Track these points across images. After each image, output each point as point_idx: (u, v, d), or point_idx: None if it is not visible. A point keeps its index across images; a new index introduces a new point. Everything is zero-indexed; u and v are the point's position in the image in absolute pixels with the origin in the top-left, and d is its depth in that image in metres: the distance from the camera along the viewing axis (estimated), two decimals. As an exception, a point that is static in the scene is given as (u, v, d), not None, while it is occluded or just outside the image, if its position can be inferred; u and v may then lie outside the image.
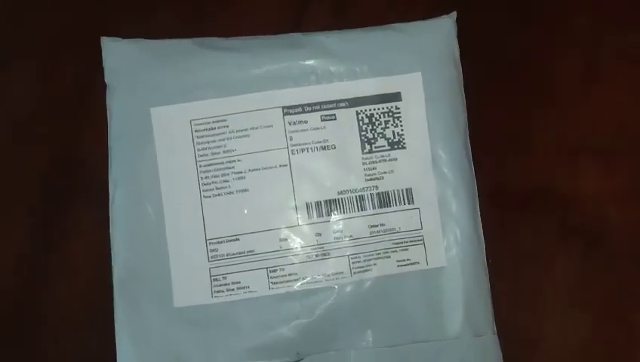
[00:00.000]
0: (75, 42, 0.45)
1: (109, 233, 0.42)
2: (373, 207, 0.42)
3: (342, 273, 0.41)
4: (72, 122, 0.45)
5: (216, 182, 0.42)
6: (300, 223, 0.42)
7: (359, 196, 0.42)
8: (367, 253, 0.42)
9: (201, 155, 0.42)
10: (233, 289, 0.41)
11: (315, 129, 0.42)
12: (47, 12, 0.46)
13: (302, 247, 0.42)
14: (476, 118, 0.43)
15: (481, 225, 0.42)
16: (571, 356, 0.43)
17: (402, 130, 0.42)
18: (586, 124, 0.45)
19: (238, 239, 0.42)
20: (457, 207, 0.42)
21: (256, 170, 0.42)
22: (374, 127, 0.42)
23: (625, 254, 0.44)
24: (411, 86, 0.42)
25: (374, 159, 0.42)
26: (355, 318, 0.41)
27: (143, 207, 0.42)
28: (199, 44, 0.43)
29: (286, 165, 0.42)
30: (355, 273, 0.41)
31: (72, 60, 0.45)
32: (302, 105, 0.42)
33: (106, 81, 0.43)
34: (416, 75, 0.42)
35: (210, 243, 0.42)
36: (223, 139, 0.42)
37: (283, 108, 0.42)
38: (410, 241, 0.42)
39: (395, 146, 0.42)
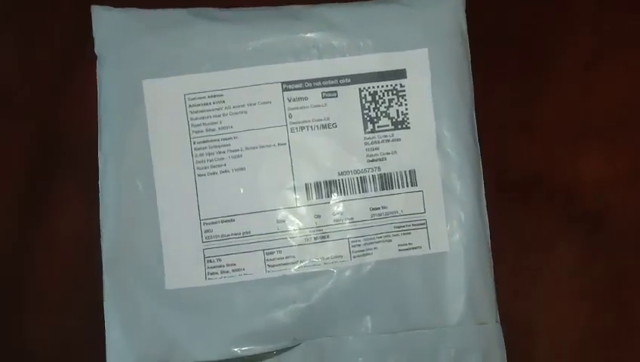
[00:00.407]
0: (62, 7, 0.44)
1: (96, 210, 0.41)
2: (375, 189, 0.40)
3: (341, 257, 0.40)
4: (59, 94, 0.43)
5: (211, 160, 0.40)
6: (299, 204, 0.40)
7: (361, 177, 0.40)
8: (368, 237, 0.40)
9: (196, 131, 0.40)
10: (228, 272, 0.40)
11: (315, 106, 0.41)
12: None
13: (300, 229, 0.40)
14: (479, 100, 0.42)
15: (485, 209, 0.41)
16: (571, 344, 0.42)
17: (407, 109, 0.41)
18: (589, 109, 0.44)
19: (233, 220, 0.40)
20: (462, 189, 0.41)
21: (254, 148, 0.40)
22: (377, 106, 0.41)
23: (627, 241, 0.43)
24: (417, 63, 0.41)
25: (377, 139, 0.41)
26: (353, 303, 0.40)
27: (134, 184, 0.40)
28: (195, 14, 0.41)
29: (285, 144, 0.40)
30: (354, 257, 0.40)
31: (59, 28, 0.44)
32: (302, 81, 0.41)
33: (96, 51, 0.41)
34: (423, 51, 0.41)
35: (204, 223, 0.40)
36: (219, 115, 0.40)
37: (282, 83, 0.40)
38: (413, 225, 0.40)
39: (399, 126, 0.41)
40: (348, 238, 0.40)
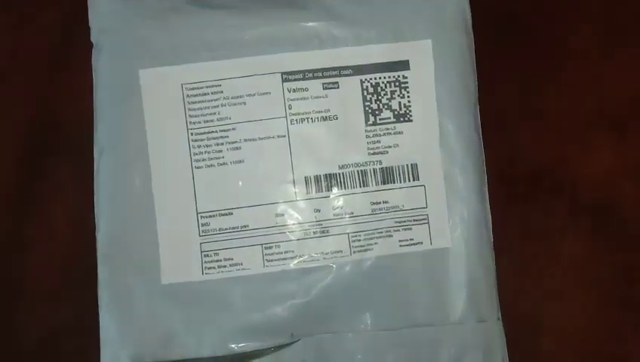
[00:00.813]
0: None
1: (91, 199, 0.40)
2: (376, 183, 0.40)
3: (341, 252, 0.39)
4: (54, 82, 0.43)
5: (209, 152, 0.39)
6: (298, 198, 0.39)
7: (361, 171, 0.40)
8: (368, 232, 0.39)
9: (193, 123, 0.39)
10: (225, 266, 0.39)
11: (316, 97, 0.40)
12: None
13: (299, 224, 0.39)
14: (483, 92, 0.41)
15: (488, 204, 0.40)
16: (576, 339, 0.42)
17: (409, 101, 0.40)
18: (598, 98, 0.43)
19: (231, 213, 0.39)
20: (464, 184, 0.40)
21: (252, 140, 0.39)
22: (379, 98, 0.40)
23: (633, 235, 0.43)
24: (420, 54, 0.40)
25: (378, 132, 0.40)
26: (353, 299, 0.39)
27: (130, 176, 0.39)
28: (193, 2, 0.40)
29: (284, 136, 0.39)
30: (354, 252, 0.39)
31: (54, 15, 0.43)
32: (303, 72, 0.40)
33: (92, 40, 0.40)
34: (426, 42, 0.40)
35: (201, 216, 0.39)
36: (217, 106, 0.39)
37: (282, 73, 0.40)
38: (414, 220, 0.40)
39: (401, 119, 0.40)
40: (348, 233, 0.39)
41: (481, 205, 0.40)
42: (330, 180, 0.40)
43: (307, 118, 0.40)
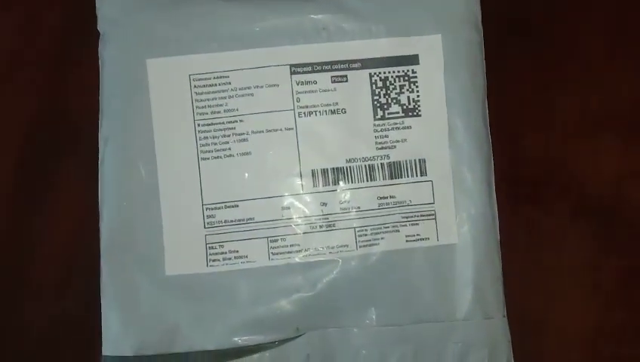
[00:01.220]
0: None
1: (96, 190, 0.40)
2: (384, 178, 0.39)
3: (347, 246, 0.39)
4: (60, 72, 0.42)
5: (215, 144, 0.39)
6: (305, 191, 0.39)
7: (369, 165, 0.39)
8: (375, 226, 0.39)
9: (200, 114, 0.39)
10: (230, 259, 0.39)
11: (324, 90, 0.39)
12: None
13: (305, 217, 0.39)
14: (491, 90, 0.41)
15: (495, 201, 0.40)
16: (581, 339, 0.42)
17: (418, 96, 0.40)
18: (605, 100, 0.43)
19: (237, 205, 0.39)
20: (472, 181, 0.39)
21: (260, 132, 0.39)
22: (388, 92, 0.40)
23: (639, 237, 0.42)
24: (430, 49, 0.40)
25: (387, 126, 0.39)
26: (358, 294, 0.39)
27: (135, 167, 0.39)
28: (202, -8, 0.40)
29: (292, 128, 0.39)
30: (360, 246, 0.39)
31: (61, 4, 0.43)
32: (311, 64, 0.39)
33: (99, 29, 0.40)
34: (436, 37, 0.39)
35: (207, 208, 0.39)
36: (225, 97, 0.39)
37: (290, 66, 0.39)
38: (421, 215, 0.39)
39: (410, 113, 0.40)
40: (354, 227, 0.39)
41: (489, 202, 0.40)
42: (337, 174, 0.39)
43: (315, 111, 0.39)
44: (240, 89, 0.39)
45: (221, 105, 0.39)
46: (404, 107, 0.40)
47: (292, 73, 0.39)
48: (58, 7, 0.43)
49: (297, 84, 0.39)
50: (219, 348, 0.38)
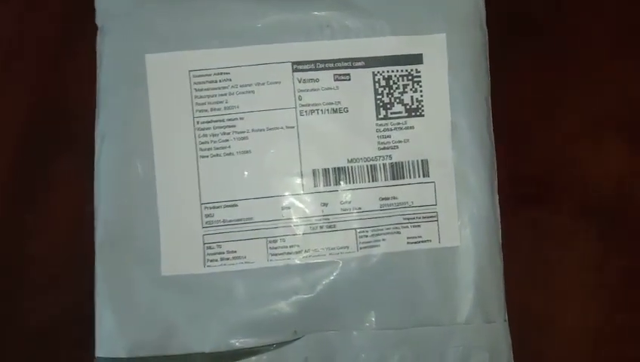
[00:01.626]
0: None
1: (92, 187, 0.39)
2: (386, 178, 0.39)
3: (347, 247, 0.38)
4: (59, 67, 0.42)
5: (215, 141, 0.38)
6: (305, 191, 0.39)
7: (371, 165, 0.39)
8: (376, 228, 0.39)
9: (200, 110, 0.38)
10: (228, 259, 0.38)
11: (326, 89, 0.39)
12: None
13: (306, 217, 0.38)
14: (495, 90, 0.41)
15: (498, 203, 0.40)
16: (584, 340, 0.42)
17: (421, 95, 0.39)
18: (609, 100, 0.43)
19: (236, 205, 0.38)
20: (475, 182, 0.39)
21: (260, 130, 0.38)
22: (391, 91, 0.39)
23: None
24: (434, 48, 0.39)
25: (389, 126, 0.39)
26: (358, 296, 0.38)
27: (133, 164, 0.38)
28: (204, -14, 0.39)
29: (293, 127, 0.38)
30: (361, 248, 0.38)
31: (59, 2, 0.42)
32: (314, 62, 0.39)
33: (97, 23, 0.39)
34: (441, 36, 0.39)
35: (205, 207, 0.38)
36: (225, 94, 0.38)
37: (292, 63, 0.39)
38: (423, 217, 0.39)
39: (413, 113, 0.39)
40: (355, 229, 0.39)
41: (491, 204, 0.39)
42: (338, 174, 0.39)
43: (317, 110, 0.39)
44: (241, 86, 0.39)
45: (221, 102, 0.38)
46: (408, 107, 0.39)
47: (294, 71, 0.39)
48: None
49: (299, 82, 0.39)
50: (215, 350, 0.37)
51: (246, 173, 0.38)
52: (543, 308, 0.42)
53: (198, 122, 0.38)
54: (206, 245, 0.38)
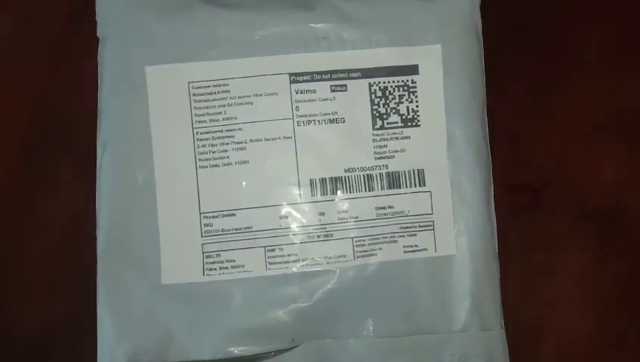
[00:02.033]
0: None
1: (92, 195, 0.39)
2: (382, 188, 0.39)
3: (344, 256, 0.39)
4: (59, 77, 0.42)
5: (213, 152, 0.39)
6: (303, 201, 0.39)
7: (367, 175, 0.39)
8: (373, 237, 0.39)
9: (199, 121, 0.39)
10: (227, 268, 0.39)
11: (323, 100, 0.39)
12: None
13: (303, 226, 0.39)
14: (492, 98, 0.41)
15: (494, 212, 0.40)
16: (580, 348, 0.42)
17: (417, 106, 0.39)
18: (606, 107, 0.43)
19: (234, 214, 0.39)
20: (471, 191, 0.39)
21: (258, 140, 0.39)
22: (387, 102, 0.39)
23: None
24: (430, 59, 0.39)
25: (386, 136, 0.39)
26: (355, 305, 0.39)
27: (133, 173, 0.39)
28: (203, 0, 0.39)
29: (290, 137, 0.39)
30: (358, 257, 0.39)
31: (61, 9, 0.42)
32: (311, 73, 0.39)
33: (98, 34, 0.39)
34: (436, 47, 0.39)
35: (204, 217, 0.39)
36: (224, 105, 0.39)
37: (290, 74, 0.39)
38: (420, 226, 0.39)
39: (409, 123, 0.39)
40: (352, 238, 0.39)
41: (487, 213, 0.40)
42: (335, 183, 0.39)
43: (314, 120, 0.39)
44: (239, 97, 0.39)
45: (220, 113, 0.39)
46: (404, 117, 0.39)
47: (291, 82, 0.39)
48: (59, 9, 0.43)
49: (296, 93, 0.39)
50: (214, 357, 0.38)
51: (244, 182, 0.39)
52: (539, 315, 0.42)
53: (197, 133, 0.39)
54: (205, 254, 0.39)
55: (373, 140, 0.39)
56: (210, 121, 0.39)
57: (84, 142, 0.40)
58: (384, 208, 0.39)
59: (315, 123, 0.39)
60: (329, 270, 0.39)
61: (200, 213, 0.39)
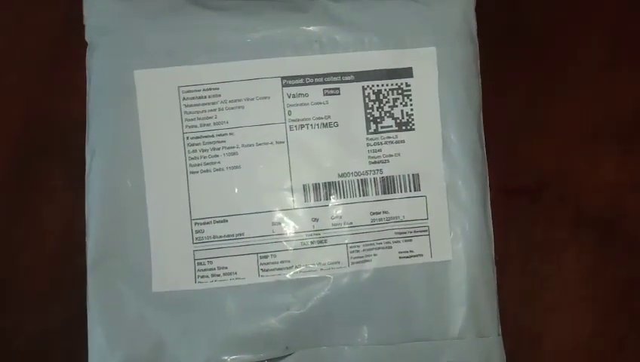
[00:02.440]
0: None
1: (82, 201, 0.39)
2: (376, 193, 0.39)
3: (338, 263, 0.38)
4: (48, 82, 0.42)
5: (204, 157, 0.38)
6: (296, 206, 0.38)
7: (361, 180, 0.39)
8: (367, 243, 0.38)
9: (189, 126, 0.38)
10: (219, 275, 0.38)
11: (316, 103, 0.39)
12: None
13: (296, 233, 0.38)
14: (488, 101, 0.40)
15: (491, 217, 0.39)
16: (579, 352, 0.41)
17: (412, 109, 0.39)
18: (604, 109, 0.43)
19: (226, 220, 0.38)
20: (467, 196, 0.39)
21: (250, 145, 0.38)
22: (381, 105, 0.39)
23: (638, 248, 0.42)
24: (424, 62, 0.39)
25: (380, 140, 0.39)
26: (350, 312, 0.38)
27: (123, 180, 0.38)
28: (192, 2, 0.39)
29: (283, 142, 0.38)
30: (352, 263, 0.38)
31: (49, 14, 0.42)
32: (303, 77, 0.39)
33: (86, 39, 0.39)
34: (431, 49, 0.39)
35: (195, 223, 0.38)
36: (214, 110, 0.38)
37: (282, 78, 0.38)
38: (415, 231, 0.38)
39: (403, 127, 0.39)
40: (346, 243, 0.38)
41: (483, 218, 0.39)
42: (329, 189, 0.39)
43: (307, 125, 0.39)
44: (230, 101, 0.38)
45: (211, 117, 0.38)
46: (398, 121, 0.39)
47: (283, 85, 0.39)
48: (46, 13, 0.42)
49: (289, 97, 0.39)
50: (206, 367, 0.37)
51: (236, 188, 0.38)
52: (537, 320, 0.41)
53: (187, 138, 0.38)
54: (197, 261, 0.38)
55: (367, 144, 0.39)
56: (201, 125, 0.38)
57: (76, 149, 0.40)
58: (379, 213, 0.39)
59: (308, 127, 0.39)
60: (323, 277, 0.38)
61: (191, 220, 0.38)
